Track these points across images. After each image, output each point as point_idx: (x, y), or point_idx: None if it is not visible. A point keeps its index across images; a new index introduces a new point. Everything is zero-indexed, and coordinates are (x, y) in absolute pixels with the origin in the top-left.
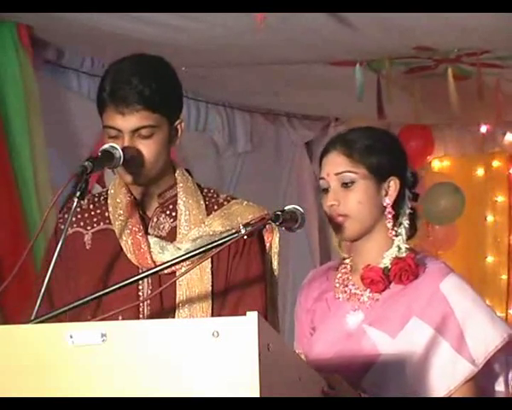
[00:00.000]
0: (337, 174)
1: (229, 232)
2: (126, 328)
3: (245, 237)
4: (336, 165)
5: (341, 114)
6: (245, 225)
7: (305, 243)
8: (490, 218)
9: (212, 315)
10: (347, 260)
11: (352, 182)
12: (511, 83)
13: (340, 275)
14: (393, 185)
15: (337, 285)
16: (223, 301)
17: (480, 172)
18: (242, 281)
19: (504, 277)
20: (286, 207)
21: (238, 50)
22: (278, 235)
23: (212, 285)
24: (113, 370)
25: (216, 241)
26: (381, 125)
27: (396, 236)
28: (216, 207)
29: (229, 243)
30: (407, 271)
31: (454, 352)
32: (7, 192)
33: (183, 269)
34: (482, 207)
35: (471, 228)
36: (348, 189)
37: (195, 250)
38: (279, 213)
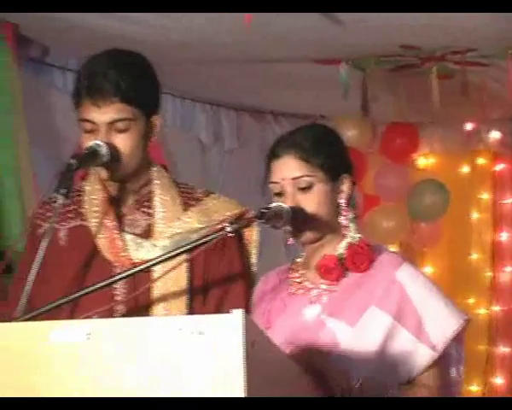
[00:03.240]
0: (294, 179)
1: (208, 228)
2: (112, 326)
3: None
4: (292, 170)
5: (327, 111)
6: (231, 223)
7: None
8: (474, 215)
9: (190, 313)
10: (299, 260)
11: (310, 186)
12: (495, 81)
13: (294, 274)
14: (346, 183)
15: (292, 284)
16: (203, 298)
17: (465, 169)
18: (224, 278)
19: (488, 274)
20: (271, 205)
21: (225, 48)
22: (257, 231)
23: (189, 282)
24: (100, 368)
25: (200, 239)
26: (367, 123)
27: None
28: (193, 202)
29: (215, 240)
30: (361, 254)
31: (414, 339)
32: None
33: (159, 267)
34: (466, 204)
35: (455, 225)
36: (306, 192)
37: (178, 249)
38: (265, 210)
